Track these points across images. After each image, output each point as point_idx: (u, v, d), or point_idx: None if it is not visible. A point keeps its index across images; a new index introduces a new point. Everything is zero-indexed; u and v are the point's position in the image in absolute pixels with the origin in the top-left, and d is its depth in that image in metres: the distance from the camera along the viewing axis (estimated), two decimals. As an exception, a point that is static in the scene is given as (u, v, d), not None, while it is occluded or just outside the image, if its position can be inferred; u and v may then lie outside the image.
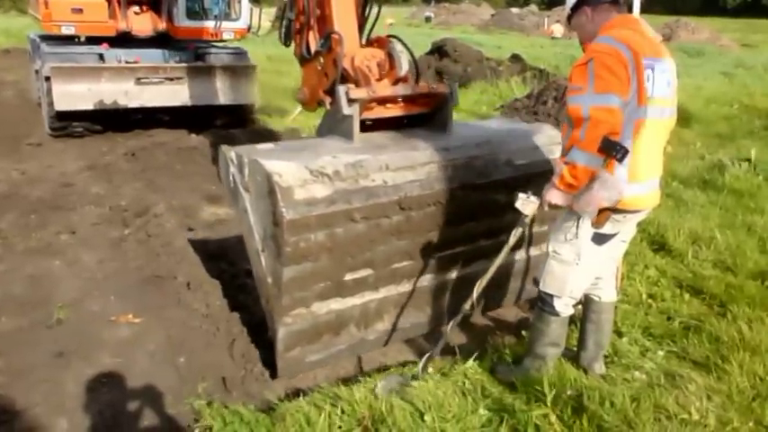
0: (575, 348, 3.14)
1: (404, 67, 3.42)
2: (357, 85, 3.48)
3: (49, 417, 2.81)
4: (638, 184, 2.65)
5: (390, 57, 3.49)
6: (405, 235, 3.06)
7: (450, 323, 2.97)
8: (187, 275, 4.11)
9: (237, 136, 8.02)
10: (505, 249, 2.87)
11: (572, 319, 3.12)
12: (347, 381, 3.24)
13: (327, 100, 4.00)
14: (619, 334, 3.36)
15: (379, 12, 4.18)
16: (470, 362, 3.05)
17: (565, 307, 2.91)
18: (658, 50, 2.65)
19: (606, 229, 2.73)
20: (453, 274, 3.43)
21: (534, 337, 3.00)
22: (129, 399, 2.94)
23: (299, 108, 9.21)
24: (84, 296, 3.90)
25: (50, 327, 3.53)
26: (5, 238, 4.75)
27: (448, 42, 13.00)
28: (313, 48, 4.03)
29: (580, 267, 2.80)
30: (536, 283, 2.99)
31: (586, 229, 2.72)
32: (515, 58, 13.99)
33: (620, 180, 2.55)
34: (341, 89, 3.17)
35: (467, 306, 2.93)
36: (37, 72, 7.79)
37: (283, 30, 4.28)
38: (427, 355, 2.99)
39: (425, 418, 2.54)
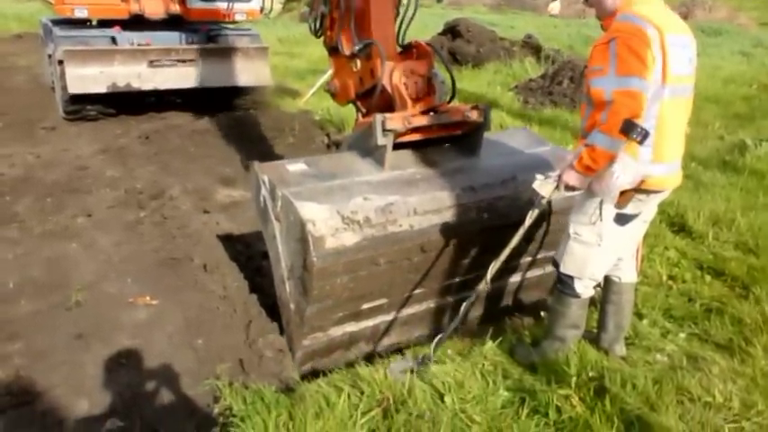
0: (595, 330, 3.11)
1: (442, 98, 3.34)
2: (392, 103, 3.42)
3: (70, 397, 2.82)
4: (662, 164, 2.60)
5: (430, 82, 3.39)
6: (422, 270, 3.13)
7: (464, 305, 2.95)
8: (203, 257, 4.12)
9: (251, 118, 8.01)
10: (521, 230, 2.83)
11: (592, 300, 3.09)
12: (366, 360, 3.25)
13: (361, 107, 3.94)
14: (639, 316, 3.32)
15: (415, 12, 3.79)
16: (489, 343, 3.03)
17: (585, 288, 2.87)
18: (681, 26, 2.58)
19: (629, 209, 2.69)
20: (464, 295, 3.29)
21: (554, 319, 2.97)
22: (148, 380, 2.95)
23: (312, 90, 9.20)
24: (101, 279, 3.91)
25: (69, 309, 3.54)
26: (23, 221, 4.76)
27: (461, 22, 12.79)
28: (347, 45, 3.82)
29: (602, 248, 2.76)
30: (555, 264, 2.94)
31: (609, 209, 2.68)
32: (529, 38, 13.80)
33: (642, 163, 2.52)
34: (378, 119, 3.07)
35: (480, 287, 2.91)
36: (50, 56, 7.77)
37: (316, 22, 4.11)
38: (439, 336, 2.98)
39: (445, 399, 2.53)
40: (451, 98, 3.51)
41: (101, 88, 7.09)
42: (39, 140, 6.93)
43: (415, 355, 3.12)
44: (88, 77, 6.98)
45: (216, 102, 8.20)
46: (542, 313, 3.48)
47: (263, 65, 8.12)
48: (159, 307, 3.58)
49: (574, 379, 2.58)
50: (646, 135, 2.38)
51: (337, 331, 3.11)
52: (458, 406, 2.49)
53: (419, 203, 3.01)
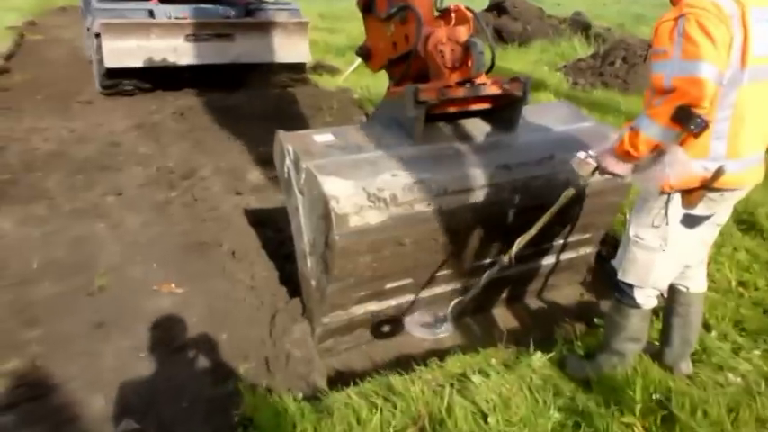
0: (657, 343, 2.79)
1: (479, 69, 3.06)
2: (427, 71, 3.18)
3: (85, 392, 2.65)
4: (739, 159, 2.25)
5: (468, 51, 3.09)
6: (449, 251, 3.00)
7: (485, 274, 2.79)
8: (232, 243, 3.92)
9: (288, 96, 7.77)
10: (554, 209, 2.60)
11: (654, 309, 2.77)
12: (400, 365, 3.02)
13: (393, 74, 3.68)
14: (707, 327, 2.98)
15: None
16: (538, 354, 2.74)
17: (647, 298, 2.55)
18: None
19: (699, 209, 2.35)
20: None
21: (611, 331, 2.66)
22: (168, 377, 2.76)
23: (352, 67, 8.91)
24: (127, 262, 3.74)
25: (91, 294, 3.38)
26: (53, 198, 4.64)
27: (507, -1, 12.30)
28: (381, 7, 3.56)
29: (667, 254, 2.42)
30: (612, 271, 2.62)
31: (676, 209, 2.35)
32: (578, 15, 13.19)
33: (713, 159, 2.20)
34: (410, 90, 2.86)
35: (504, 260, 2.73)
36: (88, 29, 7.67)
37: None
38: (457, 299, 2.87)
39: (489, 420, 2.26)
40: (490, 69, 3.23)
41: (137, 62, 6.94)
42: (74, 115, 6.83)
43: (434, 313, 3.00)
44: (125, 51, 6.84)
45: (253, 78, 7.98)
46: (595, 319, 3.17)
47: (303, 40, 7.86)
48: (184, 296, 3.39)
49: (638, 406, 2.27)
50: (705, 127, 2.07)
51: (359, 310, 3.01)
52: (503, 428, 2.22)
53: (449, 182, 2.82)
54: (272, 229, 4.19)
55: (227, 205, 4.49)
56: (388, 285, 2.98)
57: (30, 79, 8.22)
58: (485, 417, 2.28)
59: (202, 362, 2.86)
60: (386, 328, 3.23)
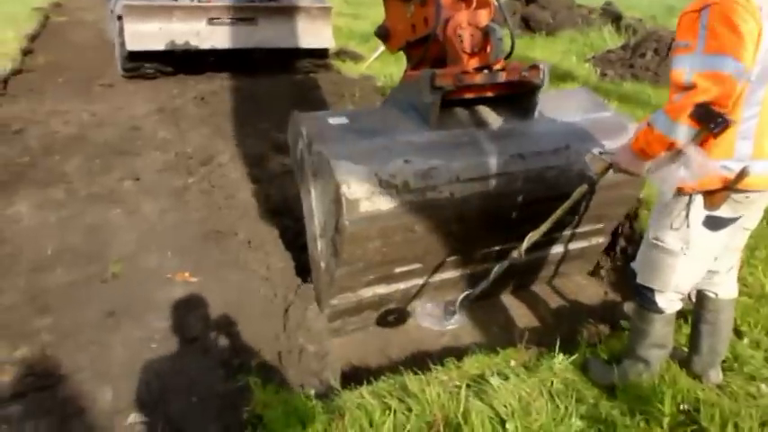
0: (685, 349, 2.66)
1: (498, 55, 3.01)
2: (445, 55, 3.12)
3: (94, 384, 2.60)
4: (765, 160, 2.08)
5: (487, 37, 3.04)
6: (460, 238, 2.98)
7: (495, 268, 2.79)
8: (248, 232, 3.85)
9: (310, 82, 7.69)
10: (566, 205, 2.58)
11: (681, 313, 2.64)
12: (416, 362, 2.94)
13: (411, 57, 3.59)
14: (738, 333, 2.84)
15: None
16: (560, 357, 2.63)
17: (669, 302, 2.41)
18: None
19: (723, 211, 2.20)
20: (495, 265, 3.11)
21: (635, 338, 2.53)
22: (179, 371, 2.70)
23: (376, 54, 8.78)
24: (141, 249, 3.69)
25: (104, 282, 3.34)
26: (70, 182, 4.61)
27: (536, -13, 12.03)
28: None
29: (688, 258, 2.28)
30: (632, 274, 2.49)
31: (698, 210, 2.20)
32: (608, 5, 12.86)
33: (739, 160, 2.06)
34: (426, 75, 2.83)
35: (514, 254, 2.74)
36: (111, 11, 7.64)
37: None
38: (466, 292, 2.89)
39: (507, 426, 2.16)
40: (509, 55, 3.16)
41: (159, 45, 6.91)
42: (95, 97, 6.81)
43: (445, 305, 3.04)
44: (147, 34, 6.80)
45: (275, 63, 7.89)
46: (622, 322, 3.04)
47: (326, 26, 7.75)
48: (197, 285, 3.32)
49: (666, 419, 2.15)
50: (726, 126, 1.94)
51: (367, 293, 3.04)
52: (522, 436, 2.13)
53: (463, 170, 2.79)
54: (290, 219, 4.11)
55: (245, 193, 4.42)
56: (397, 270, 2.99)
57: (53, 61, 8.25)
58: (503, 422, 2.18)
59: (214, 355, 2.79)
60: (392, 318, 3.24)
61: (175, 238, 3.83)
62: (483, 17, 3.12)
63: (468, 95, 3.05)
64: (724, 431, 2.15)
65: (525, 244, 2.70)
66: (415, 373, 2.54)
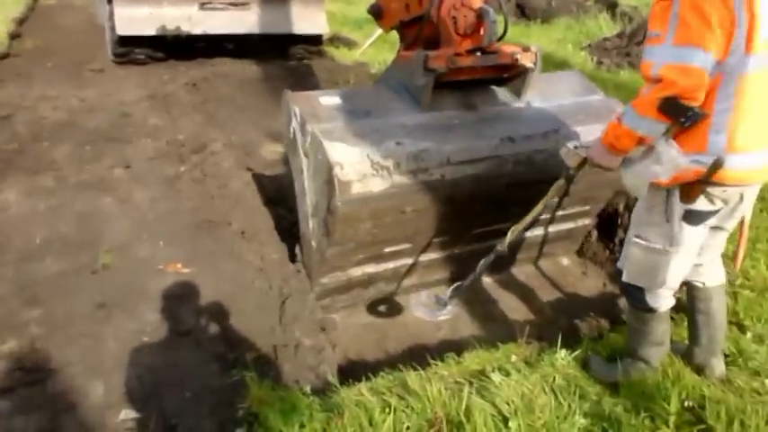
0: (686, 341, 2.61)
1: (491, 38, 2.99)
2: (438, 36, 3.13)
3: (85, 378, 2.53)
4: (743, 153, 1.99)
5: (480, 19, 3.03)
6: (449, 218, 3.03)
7: (481, 263, 2.78)
8: (242, 222, 3.77)
9: (304, 68, 7.60)
10: (544, 199, 2.57)
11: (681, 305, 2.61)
12: (413, 356, 2.89)
13: (404, 36, 3.58)
14: (741, 327, 2.80)
15: None
16: (562, 352, 2.58)
17: (659, 299, 2.34)
18: None
19: (700, 205, 2.13)
20: (486, 244, 3.25)
21: (633, 337, 2.49)
22: (172, 364, 2.63)
23: (370, 40, 8.66)
24: (133, 239, 3.61)
25: (95, 272, 3.26)
26: (60, 169, 4.51)
27: (532, -27, 11.90)
28: None
29: (671, 254, 2.21)
30: (619, 273, 2.43)
31: (676, 205, 2.14)
32: (605, -8, 12.77)
33: (713, 153, 1.98)
34: (420, 57, 2.85)
35: (499, 248, 2.73)
36: (101, -5, 7.51)
37: None
38: (457, 284, 2.88)
39: (510, 424, 2.10)
40: (501, 37, 3.16)
41: (149, 30, 6.78)
42: (85, 83, 6.69)
43: (437, 296, 3.04)
44: (137, 18, 6.68)
45: (268, 49, 7.77)
46: (623, 316, 3.00)
47: (320, 11, 7.65)
48: (190, 276, 3.25)
49: (672, 418, 2.11)
50: (695, 119, 1.89)
51: (357, 271, 3.11)
52: (525, 434, 2.08)
53: (454, 152, 2.84)
54: (285, 209, 4.03)
55: (238, 182, 4.32)
56: (387, 250, 3.05)
57: (41, 45, 8.09)
58: (505, 420, 2.13)
59: (208, 348, 2.73)
60: (382, 308, 3.27)
61: (167, 228, 3.75)
62: None
63: (461, 77, 3.05)
64: (730, 429, 2.11)
65: (509, 237, 2.71)
66: (415, 369, 2.48)
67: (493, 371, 2.42)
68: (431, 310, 3.06)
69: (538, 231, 3.56)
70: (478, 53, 3.01)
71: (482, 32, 3.02)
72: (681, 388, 2.31)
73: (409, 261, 3.23)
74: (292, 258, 3.40)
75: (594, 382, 2.47)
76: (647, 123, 1.97)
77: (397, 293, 3.43)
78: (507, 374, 2.40)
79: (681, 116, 1.91)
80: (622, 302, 3.25)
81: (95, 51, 7.72)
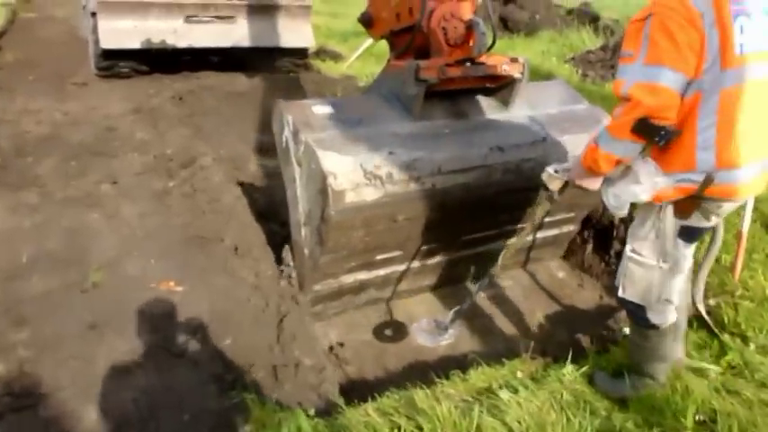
0: (693, 353, 2.60)
1: (481, 50, 3.06)
2: (428, 46, 3.22)
3: (78, 403, 2.44)
4: (734, 169, 2.00)
5: (470, 30, 3.10)
6: (439, 226, 3.08)
7: (477, 285, 2.94)
8: (235, 238, 3.69)
9: (290, 81, 7.53)
10: (532, 221, 2.73)
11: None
12: (414, 374, 2.84)
13: (394, 46, 3.61)
14: (744, 339, 2.79)
15: None
16: (568, 367, 2.55)
17: (661, 315, 2.33)
18: None
19: (695, 221, 2.15)
20: (474, 250, 3.49)
21: (636, 353, 2.49)
22: (168, 386, 2.55)
23: (356, 53, 8.64)
24: (123, 256, 3.51)
25: (84, 291, 3.16)
26: (44, 185, 4.39)
27: (514, -13, 12.02)
28: None
29: (665, 270, 2.22)
30: (615, 289, 2.43)
31: (670, 221, 2.15)
32: (585, 5, 12.92)
33: (702, 171, 1.99)
34: (411, 67, 2.93)
35: (492, 271, 2.93)
36: (84, 7, 7.39)
37: None
38: (456, 308, 3.02)
39: (522, 443, 2.06)
40: (490, 47, 3.22)
41: (134, 43, 6.67)
42: (68, 96, 6.55)
43: (438, 321, 3.16)
44: (122, 31, 6.57)
45: (254, 62, 7.71)
46: (625, 329, 2.98)
47: (306, 24, 7.60)
48: (184, 294, 3.16)
49: (689, 434, 2.08)
50: (668, 137, 1.92)
51: (348, 278, 3.15)
52: (538, 453, 2.03)
53: (445, 161, 2.89)
54: (276, 223, 3.97)
55: (229, 196, 4.24)
56: (379, 257, 3.10)
57: (22, 58, 7.93)
58: (517, 440, 2.08)
59: (205, 369, 2.64)
60: (388, 331, 3.27)
61: (158, 245, 3.66)
62: (466, 10, 3.20)
63: (451, 87, 3.12)
64: (744, 443, 2.09)
65: (500, 260, 2.90)
66: (421, 388, 2.42)
67: (500, 388, 2.38)
68: (432, 335, 3.10)
69: (527, 237, 3.55)
70: (468, 63, 3.09)
71: (471, 43, 3.08)
72: (691, 402, 2.28)
73: (400, 268, 3.28)
74: (278, 261, 3.36)
75: (602, 397, 2.44)
76: (622, 145, 2.00)
77: (390, 299, 3.49)
78: (515, 391, 2.36)
79: (654, 136, 1.94)
80: (621, 316, 3.23)
81: (78, 64, 7.59)
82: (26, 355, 2.67)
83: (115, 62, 7.02)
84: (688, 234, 2.20)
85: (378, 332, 3.25)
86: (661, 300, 2.31)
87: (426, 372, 2.91)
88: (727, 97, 1.92)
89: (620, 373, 2.54)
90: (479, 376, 2.55)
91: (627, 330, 2.96)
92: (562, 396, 2.37)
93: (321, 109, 2.95)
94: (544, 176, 2.49)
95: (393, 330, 3.26)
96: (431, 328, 3.14)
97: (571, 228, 3.87)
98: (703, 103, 1.94)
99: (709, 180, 1.97)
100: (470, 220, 3.19)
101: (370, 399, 2.41)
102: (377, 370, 3.04)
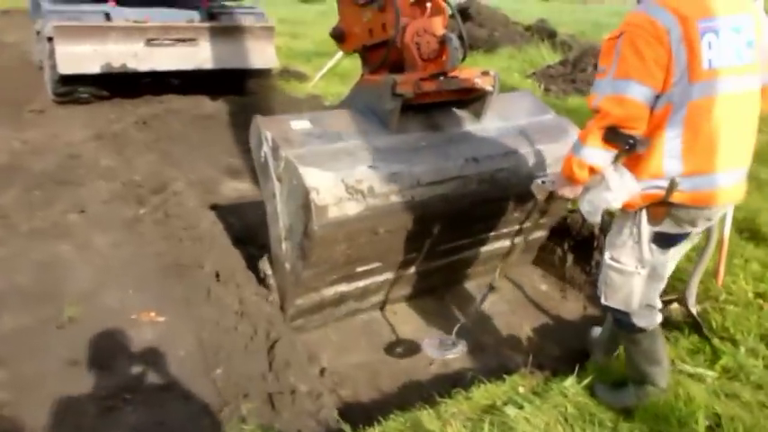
0: (688, 359, 2.62)
1: (454, 64, 3.13)
2: (401, 61, 3.27)
3: (64, 446, 2.31)
4: (698, 176, 2.08)
5: (443, 45, 3.16)
6: (418, 237, 3.13)
7: (478, 299, 2.99)
8: (215, 264, 3.58)
9: (256, 103, 7.45)
10: (526, 231, 2.97)
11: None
12: (410, 393, 2.79)
13: (368, 61, 3.64)
14: (734, 342, 2.83)
15: None
16: (570, 380, 2.54)
17: (645, 318, 2.40)
18: (733, 5, 2.04)
19: (667, 227, 2.22)
20: (450, 259, 3.57)
21: (631, 361, 2.52)
22: (159, 422, 2.44)
23: (320, 73, 8.64)
24: (99, 288, 3.38)
25: (61, 327, 3.02)
26: (7, 216, 4.21)
27: (472, 5, 12.25)
28: None
29: (643, 276, 2.30)
30: (598, 297, 2.49)
31: (645, 228, 2.23)
32: (541, 22, 13.24)
33: (667, 178, 2.10)
34: (388, 82, 2.97)
35: (493, 284, 3.01)
36: (38, 33, 7.16)
37: None
38: (461, 322, 3.03)
39: (535, 461, 2.03)
40: (463, 58, 3.24)
41: (94, 68, 6.49)
42: (26, 124, 6.35)
43: (445, 336, 3.11)
44: (80, 56, 6.39)
45: (218, 85, 7.62)
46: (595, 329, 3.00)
47: (269, 45, 7.55)
48: (167, 325, 3.06)
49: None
50: (634, 145, 2.02)
51: (329, 291, 3.17)
52: (551, 470, 2.00)
53: (423, 174, 2.96)
54: (255, 247, 3.87)
55: (206, 222, 4.13)
56: (359, 269, 3.13)
57: (-27, 87, 7.66)
58: (530, 458, 2.05)
59: (197, 402, 2.54)
60: (400, 350, 3.26)
61: (134, 274, 3.54)
62: (438, 25, 3.26)
63: (426, 101, 3.17)
64: (750, 447, 2.10)
65: (497, 274, 3.03)
66: (424, 408, 2.37)
67: (505, 404, 2.35)
68: (441, 350, 3.08)
69: (500, 244, 3.74)
70: (441, 77, 3.14)
71: (444, 58, 3.16)
72: (695, 407, 2.29)
73: (380, 278, 3.32)
74: (253, 270, 3.32)
75: (606, 408, 2.43)
76: (594, 153, 2.10)
77: (365, 311, 3.50)
78: (520, 407, 2.33)
79: (623, 144, 2.04)
80: (594, 332, 3.24)
81: (34, 91, 7.36)
82: (5, 398, 2.53)
83: (74, 87, 6.85)
84: (662, 240, 2.26)
85: (389, 350, 3.26)
86: (643, 305, 2.38)
87: (420, 391, 2.87)
88: (695, 109, 2.01)
89: (620, 384, 2.54)
90: (482, 393, 2.51)
91: (596, 331, 3.05)
92: (567, 409, 2.36)
93: (299, 124, 2.97)
94: (533, 187, 2.59)
95: (405, 348, 3.26)
96: (439, 343, 3.11)
97: (542, 233, 4.00)
98: (673, 114, 2.03)
99: (672, 185, 2.07)
100: (447, 229, 3.23)
101: (372, 421, 2.35)
102: (371, 392, 2.97)
